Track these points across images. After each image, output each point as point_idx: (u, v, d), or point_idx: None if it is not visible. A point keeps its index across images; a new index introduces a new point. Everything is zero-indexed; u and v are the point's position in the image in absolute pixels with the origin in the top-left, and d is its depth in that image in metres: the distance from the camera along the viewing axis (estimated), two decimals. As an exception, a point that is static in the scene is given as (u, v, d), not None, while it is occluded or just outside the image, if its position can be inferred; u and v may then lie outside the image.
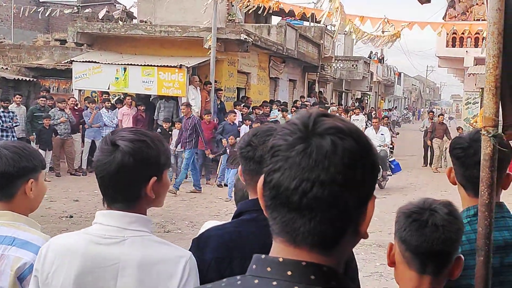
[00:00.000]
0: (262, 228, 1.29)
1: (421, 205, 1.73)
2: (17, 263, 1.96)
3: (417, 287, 1.69)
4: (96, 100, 16.06)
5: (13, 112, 13.42)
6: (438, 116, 21.06)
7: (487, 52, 1.82)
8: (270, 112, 16.64)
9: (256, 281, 1.00)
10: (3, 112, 13.17)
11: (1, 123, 13.07)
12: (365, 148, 1.01)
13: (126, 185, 1.72)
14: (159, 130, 13.55)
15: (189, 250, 1.85)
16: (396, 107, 55.17)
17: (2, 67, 16.99)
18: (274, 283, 0.98)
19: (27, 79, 18.05)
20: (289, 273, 0.98)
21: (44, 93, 15.02)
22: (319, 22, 22.50)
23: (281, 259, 1.00)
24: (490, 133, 1.80)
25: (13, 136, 13.11)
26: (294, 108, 17.60)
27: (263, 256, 1.03)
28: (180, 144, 12.90)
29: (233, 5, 17.95)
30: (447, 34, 18.10)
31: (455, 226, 1.70)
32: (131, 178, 1.72)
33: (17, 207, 2.07)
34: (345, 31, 14.17)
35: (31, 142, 13.17)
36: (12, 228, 2.02)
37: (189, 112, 13.03)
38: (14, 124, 13.16)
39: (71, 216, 9.30)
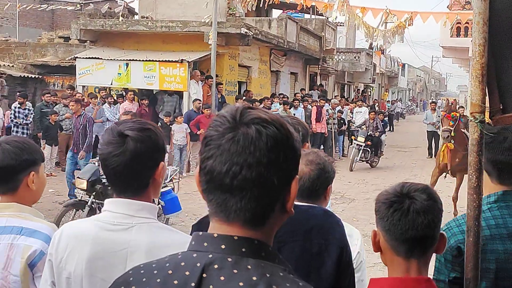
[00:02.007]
0: None
1: (399, 193, 1.75)
2: (28, 251, 2.04)
3: (406, 271, 1.74)
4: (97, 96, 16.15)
5: (29, 110, 13.50)
6: (458, 108, 20.20)
7: (473, 41, 1.89)
8: (271, 105, 16.70)
9: (195, 255, 1.13)
10: (19, 108, 13.27)
11: (14, 119, 13.18)
12: (286, 134, 1.14)
13: (138, 172, 1.79)
14: (159, 124, 13.64)
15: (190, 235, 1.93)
16: (400, 99, 54.96)
17: (8, 65, 17.10)
18: (210, 255, 1.11)
19: (33, 76, 18.15)
20: (222, 246, 1.11)
21: (49, 90, 15.13)
22: (320, 14, 22.53)
23: (215, 235, 1.13)
24: (477, 119, 1.88)
25: (27, 134, 13.21)
26: (296, 101, 17.59)
27: (200, 233, 1.17)
28: (72, 146, 11.17)
29: (233, -1, 18.00)
30: (451, 24, 18.01)
31: (435, 209, 1.73)
32: (144, 165, 1.79)
33: (21, 199, 2.15)
34: (354, 24, 14.10)
35: (39, 139, 13.29)
36: (18, 219, 2.10)
37: (79, 110, 11.48)
38: (24, 121, 13.25)
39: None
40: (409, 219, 1.70)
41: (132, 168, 1.76)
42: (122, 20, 16.28)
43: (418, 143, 22.14)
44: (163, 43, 16.11)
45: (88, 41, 17.14)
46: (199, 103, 14.06)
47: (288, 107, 16.25)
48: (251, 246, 1.11)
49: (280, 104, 16.78)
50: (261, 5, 14.71)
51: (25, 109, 13.36)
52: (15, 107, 13.35)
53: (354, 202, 11.25)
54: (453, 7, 19.47)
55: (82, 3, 22.42)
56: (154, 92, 16.00)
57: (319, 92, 23.66)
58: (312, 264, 1.89)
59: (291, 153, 1.14)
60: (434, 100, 29.45)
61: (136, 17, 20.51)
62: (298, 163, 1.18)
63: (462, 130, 9.89)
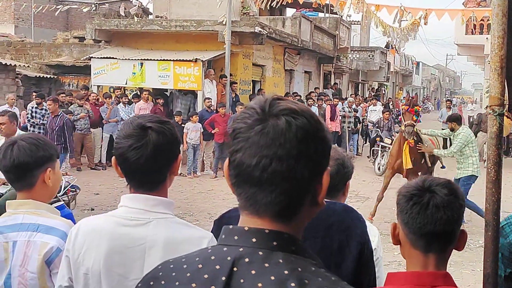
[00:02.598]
0: None
1: (420, 187, 1.73)
2: (45, 248, 2.05)
3: (423, 265, 1.72)
4: (112, 95, 16.24)
5: (46, 110, 13.61)
6: (486, 107, 19.55)
7: (492, 34, 1.87)
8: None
9: (225, 248, 1.11)
10: (36, 108, 13.38)
11: (31, 119, 13.27)
12: (316, 125, 1.11)
13: (159, 165, 1.78)
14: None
15: (211, 231, 1.91)
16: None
17: (24, 65, 17.26)
18: (241, 249, 1.09)
19: (48, 76, 18.29)
20: (253, 240, 1.09)
21: (63, 90, 15.25)
22: (334, 12, 22.45)
23: (246, 228, 1.11)
24: (496, 112, 1.85)
25: (43, 134, 13.34)
26: (311, 100, 17.52)
27: (231, 226, 1.14)
28: None
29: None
30: (466, 21, 17.84)
31: (456, 205, 1.70)
32: (164, 157, 1.78)
33: (38, 196, 2.16)
34: (369, 22, 13.98)
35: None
36: (35, 216, 2.11)
37: (57, 110, 11.12)
38: (41, 122, 13.36)
39: (93, 209, 9.48)
40: (428, 213, 1.67)
41: (153, 160, 1.75)
42: (136, 20, 16.35)
43: (433, 142, 21.94)
44: (177, 43, 16.14)
45: (102, 41, 17.23)
46: (209, 102, 14.07)
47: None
48: (282, 240, 1.09)
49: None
50: (274, 5, 14.71)
51: (42, 109, 13.47)
52: (32, 107, 13.47)
53: (369, 201, 11.19)
54: (468, 4, 19.29)
55: (97, 3, 22.58)
56: (168, 91, 16.05)
57: (333, 90, 23.58)
58: (333, 260, 1.88)
59: (322, 144, 1.11)
60: (449, 98, 29.18)
61: (150, 17, 20.60)
62: (329, 154, 1.14)
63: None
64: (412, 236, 1.72)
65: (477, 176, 8.76)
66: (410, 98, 10.03)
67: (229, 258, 1.08)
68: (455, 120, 9.16)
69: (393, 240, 1.82)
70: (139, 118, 1.82)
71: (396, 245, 1.83)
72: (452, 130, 9.06)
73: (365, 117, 19.94)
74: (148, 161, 1.74)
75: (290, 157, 1.06)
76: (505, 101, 1.87)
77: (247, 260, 1.07)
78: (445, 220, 1.67)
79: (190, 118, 13.63)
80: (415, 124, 9.03)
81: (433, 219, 1.67)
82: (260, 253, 1.07)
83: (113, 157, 1.82)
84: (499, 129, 1.85)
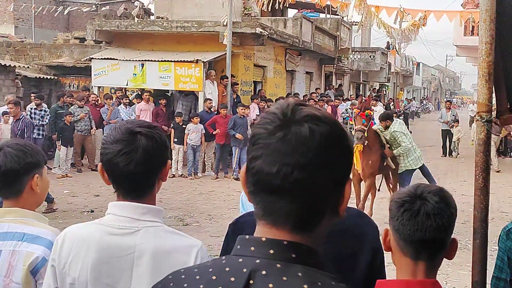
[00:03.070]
0: None
1: (412, 194, 1.73)
2: (30, 257, 2.00)
3: (413, 273, 1.72)
4: (113, 96, 16.25)
5: (45, 111, 13.61)
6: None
7: (480, 39, 1.86)
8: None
9: (240, 260, 1.06)
10: (35, 109, 13.39)
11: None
12: (340, 133, 1.06)
13: (148, 171, 1.74)
14: (172, 125, 13.70)
15: (226, 235, 1.89)
16: (414, 97, 54.70)
17: (24, 66, 17.27)
18: (257, 261, 1.03)
19: (48, 77, 18.29)
20: (271, 251, 1.04)
21: (64, 91, 15.27)
22: (335, 13, 22.44)
23: (264, 239, 1.05)
24: (484, 118, 1.85)
25: (43, 135, 13.38)
26: (312, 101, 17.49)
27: (247, 236, 1.09)
28: None
29: (248, -1, 17.98)
30: (464, 22, 17.85)
31: (447, 213, 1.70)
32: (154, 162, 1.75)
33: (25, 203, 2.11)
34: (370, 23, 13.93)
35: (55, 141, 13.40)
36: (21, 224, 2.05)
37: (18, 113, 10.69)
38: (40, 123, 13.36)
39: (92, 211, 9.44)
40: (418, 220, 1.67)
41: (143, 165, 1.71)
42: (137, 21, 16.35)
43: (433, 142, 21.96)
44: (178, 44, 16.13)
45: (103, 42, 17.23)
46: (210, 103, 14.09)
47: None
48: (301, 252, 1.04)
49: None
50: (276, 7, 14.68)
51: (41, 110, 13.48)
52: (31, 108, 13.48)
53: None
54: (466, 5, 19.28)
55: (97, 4, 22.60)
56: (169, 92, 16.05)
57: (334, 92, 23.58)
58: (346, 266, 1.86)
59: (345, 153, 1.07)
60: (449, 99, 29.23)
61: (152, 17, 20.61)
62: (351, 164, 1.10)
63: (375, 128, 9.14)
64: (402, 243, 1.72)
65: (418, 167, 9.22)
66: (362, 101, 9.54)
67: (245, 270, 1.03)
68: (387, 118, 9.13)
69: (384, 247, 1.82)
70: (126, 123, 1.79)
71: (388, 251, 1.82)
72: (387, 128, 9.04)
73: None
74: (138, 167, 1.70)
75: (313, 166, 1.01)
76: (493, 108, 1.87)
77: (264, 272, 1.02)
78: (435, 227, 1.67)
79: (191, 119, 13.64)
80: (365, 129, 8.67)
81: (423, 226, 1.67)
82: (278, 265, 1.02)
83: (99, 164, 1.79)
84: (487, 135, 1.84)
